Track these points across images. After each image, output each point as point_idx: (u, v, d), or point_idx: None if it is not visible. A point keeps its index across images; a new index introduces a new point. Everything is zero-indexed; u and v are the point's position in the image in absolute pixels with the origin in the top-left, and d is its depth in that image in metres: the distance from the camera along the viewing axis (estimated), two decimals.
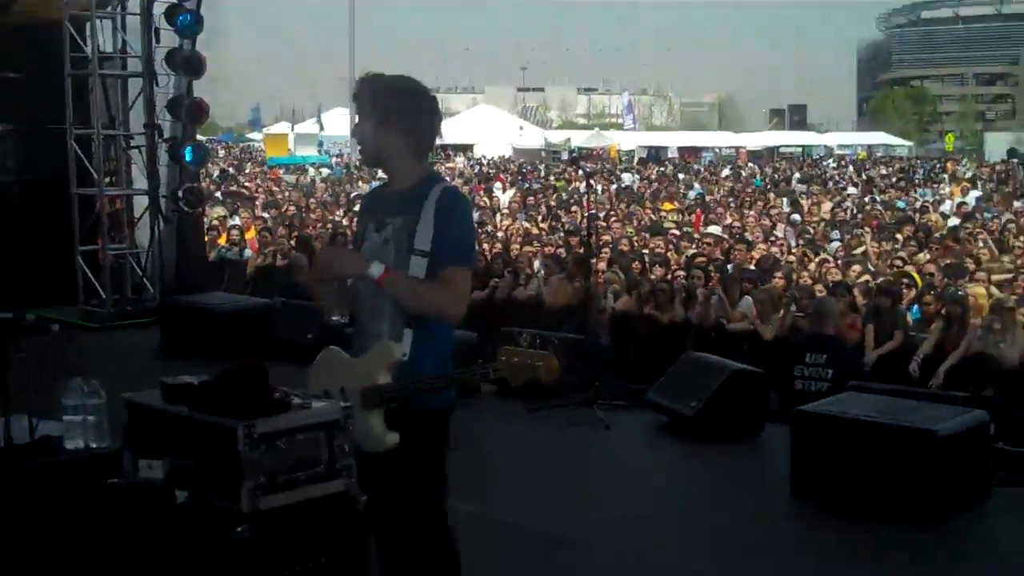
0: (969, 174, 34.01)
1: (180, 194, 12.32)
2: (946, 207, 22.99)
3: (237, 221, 17.75)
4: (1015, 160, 21.06)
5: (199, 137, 14.15)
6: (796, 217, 19.98)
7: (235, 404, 3.72)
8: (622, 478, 7.40)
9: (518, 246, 15.07)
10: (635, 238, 16.02)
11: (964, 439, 6.28)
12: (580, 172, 23.92)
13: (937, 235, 16.46)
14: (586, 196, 12.33)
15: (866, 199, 24.93)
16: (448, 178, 28.01)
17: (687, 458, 7.86)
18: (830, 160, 48.20)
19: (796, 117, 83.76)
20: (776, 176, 36.54)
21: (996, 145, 55.58)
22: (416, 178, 3.82)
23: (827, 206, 22.90)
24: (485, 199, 24.74)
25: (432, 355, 3.75)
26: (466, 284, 3.79)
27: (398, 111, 3.78)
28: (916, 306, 10.99)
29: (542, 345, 8.77)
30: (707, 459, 7.67)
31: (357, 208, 4.35)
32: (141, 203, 12.63)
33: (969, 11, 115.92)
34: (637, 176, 35.69)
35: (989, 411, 6.70)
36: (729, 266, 13.18)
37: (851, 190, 29.06)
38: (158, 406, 4.01)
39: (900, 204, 24.03)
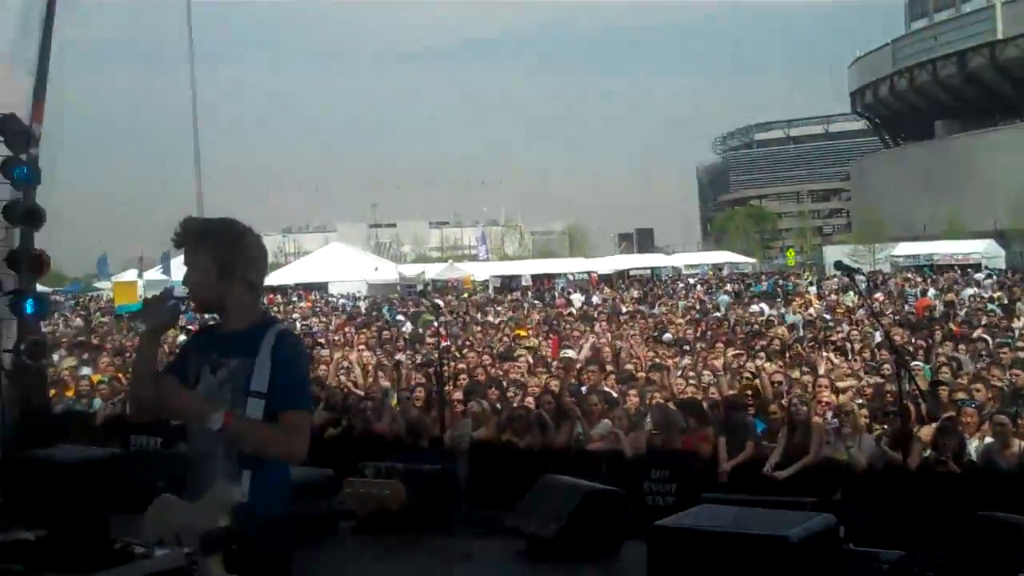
0: (813, 288, 35.40)
1: (22, 347, 11.96)
2: (793, 319, 23.90)
3: (87, 371, 17.30)
4: (841, 272, 22.09)
5: (42, 288, 13.83)
6: (668, 336, 20.49)
7: (74, 558, 3.63)
8: None
9: (371, 379, 15.06)
10: (490, 366, 16.14)
11: (815, 543, 6.43)
12: (431, 304, 24.05)
13: (785, 345, 17.11)
14: (439, 327, 12.43)
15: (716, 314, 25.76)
16: (296, 318, 27.75)
17: None
18: (679, 280, 49.56)
19: (644, 241, 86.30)
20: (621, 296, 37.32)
21: (833, 257, 58.26)
22: (250, 321, 3.87)
23: (679, 322, 23.63)
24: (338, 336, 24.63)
25: (271, 494, 3.74)
26: (306, 426, 3.84)
27: (238, 259, 3.84)
28: (757, 418, 11.22)
29: (387, 475, 8.77)
30: None
31: (178, 350, 4.31)
32: None
33: (799, 131, 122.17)
34: (496, 307, 35.94)
35: (838, 514, 6.92)
36: (583, 388, 13.37)
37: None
38: None
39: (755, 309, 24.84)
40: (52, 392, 14.74)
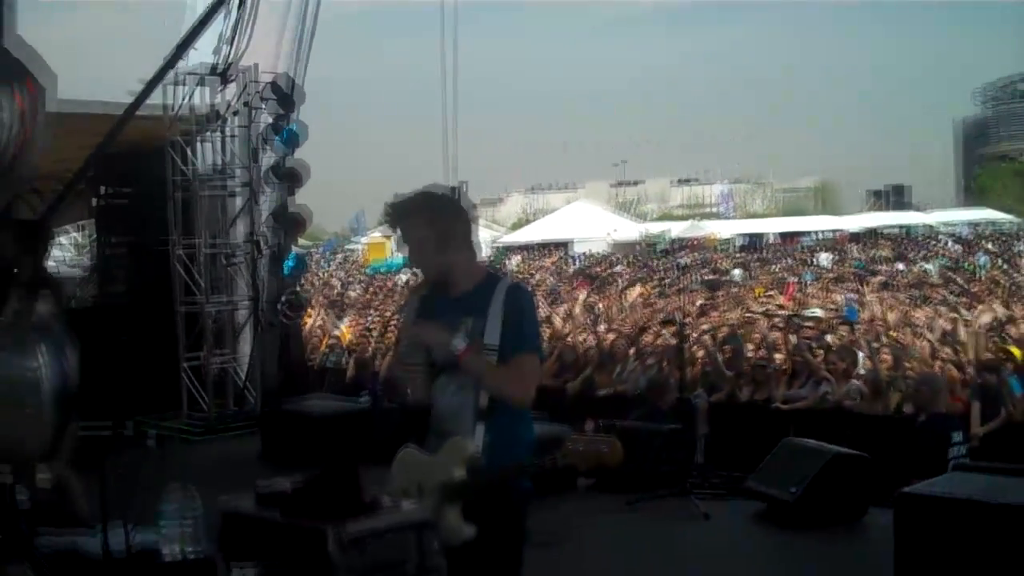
0: None
1: (280, 305, 12.61)
2: None
3: (341, 327, 18.08)
4: None
5: (302, 244, 14.51)
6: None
7: (326, 507, 3.79)
8: (723, 569, 7.27)
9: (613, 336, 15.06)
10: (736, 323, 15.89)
11: None
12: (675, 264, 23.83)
13: None
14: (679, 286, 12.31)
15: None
16: (543, 275, 28.16)
17: (788, 546, 7.68)
18: (932, 239, 47.27)
19: (896, 197, 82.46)
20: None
21: None
22: (476, 280, 3.95)
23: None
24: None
25: (505, 449, 3.79)
26: (533, 369, 3.90)
27: (454, 227, 3.92)
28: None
29: (607, 431, 8.74)
30: (809, 546, 7.48)
31: (405, 316, 4.42)
32: (244, 314, 12.95)
33: None
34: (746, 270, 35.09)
35: None
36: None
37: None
38: (251, 512, 4.09)
39: None
40: (307, 347, 15.49)
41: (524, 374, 3.83)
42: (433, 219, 3.89)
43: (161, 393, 12.19)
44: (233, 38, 11.99)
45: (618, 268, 35.23)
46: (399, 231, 3.97)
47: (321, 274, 39.29)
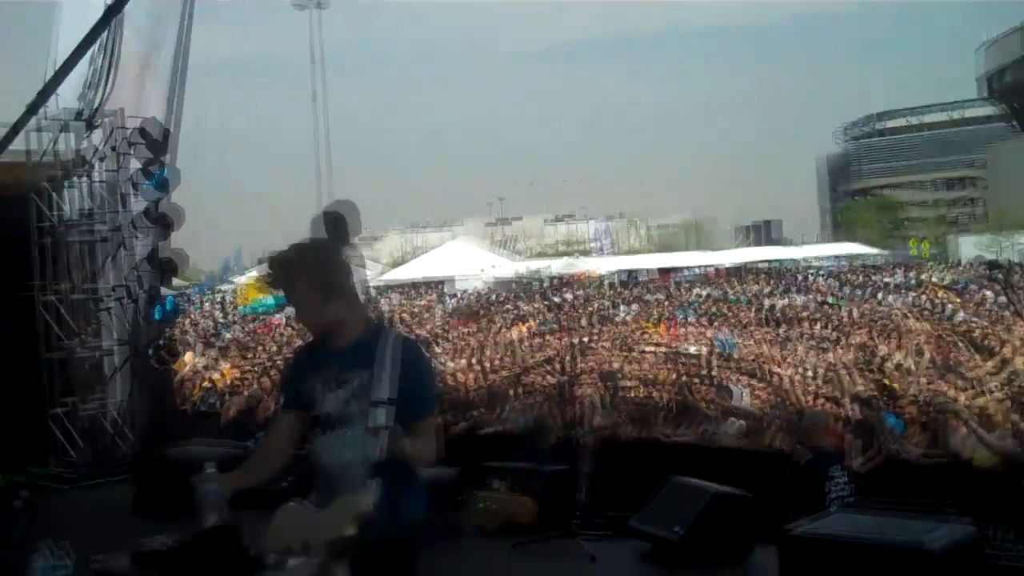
0: (947, 279, 34.28)
1: (152, 350, 12.29)
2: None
3: (217, 371, 17.73)
4: (995, 273, 21.13)
5: (177, 284, 14.22)
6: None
7: (208, 568, 3.64)
8: None
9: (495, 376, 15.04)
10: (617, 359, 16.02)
11: (958, 555, 6.10)
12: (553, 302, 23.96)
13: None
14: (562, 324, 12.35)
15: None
16: (420, 314, 28.00)
17: None
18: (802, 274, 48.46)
19: (766, 232, 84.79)
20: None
21: (966, 247, 56.11)
22: (360, 331, 3.89)
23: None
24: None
25: (400, 503, 3.72)
26: (435, 431, 3.90)
27: (335, 279, 3.85)
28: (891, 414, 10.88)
29: (520, 484, 8.71)
30: None
31: (286, 368, 4.35)
32: (115, 360, 12.57)
33: (926, 119, 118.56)
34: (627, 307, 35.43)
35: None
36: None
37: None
38: (126, 572, 3.91)
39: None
40: (182, 391, 15.12)
41: (433, 440, 3.81)
42: (308, 275, 3.81)
43: (29, 441, 11.74)
44: (98, 83, 11.74)
45: (502, 306, 35.36)
46: (281, 290, 3.90)
47: (195, 315, 38.53)
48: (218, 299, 51.78)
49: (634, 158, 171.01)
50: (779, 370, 13.98)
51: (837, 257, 59.22)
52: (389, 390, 3.70)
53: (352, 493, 3.65)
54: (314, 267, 3.83)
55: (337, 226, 8.10)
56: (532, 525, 8.48)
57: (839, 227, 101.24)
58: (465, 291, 45.88)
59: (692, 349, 17.71)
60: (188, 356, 19.45)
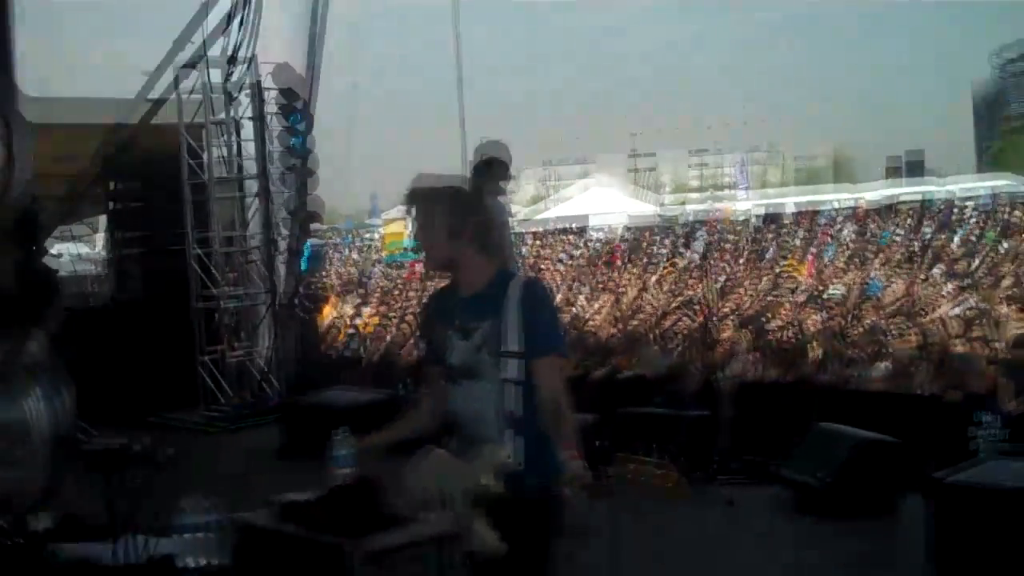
0: None
1: (296, 299, 12.56)
2: None
3: (360, 318, 18.08)
4: None
5: (318, 229, 14.46)
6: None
7: (346, 521, 3.68)
8: (748, 558, 7.11)
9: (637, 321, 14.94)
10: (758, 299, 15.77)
11: None
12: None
13: None
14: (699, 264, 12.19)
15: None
16: (561, 257, 28.02)
17: (817, 534, 7.47)
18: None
19: (915, 165, 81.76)
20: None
21: None
22: (487, 277, 3.81)
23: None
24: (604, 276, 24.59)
25: (540, 458, 3.66)
26: (563, 372, 3.79)
27: (468, 223, 3.79)
28: None
29: (659, 431, 8.65)
30: (839, 535, 7.28)
31: (421, 313, 4.36)
32: (261, 309, 12.90)
33: None
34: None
35: None
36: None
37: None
38: (269, 526, 3.98)
39: None
40: (327, 338, 15.45)
41: (557, 379, 3.70)
42: (445, 210, 3.77)
43: (180, 388, 12.17)
44: (240, 29, 11.92)
45: (640, 247, 35.12)
46: (413, 213, 3.87)
47: (337, 262, 39.15)
48: (358, 244, 52.67)
49: (775, 90, 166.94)
50: (928, 310, 13.53)
51: (992, 191, 56.90)
52: (518, 341, 3.65)
53: (491, 444, 3.62)
54: (453, 203, 3.80)
55: (490, 168, 8.14)
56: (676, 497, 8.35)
57: (993, 158, 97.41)
58: (603, 231, 45.70)
59: (838, 291, 17.27)
60: (332, 303, 19.87)
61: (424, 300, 19.59)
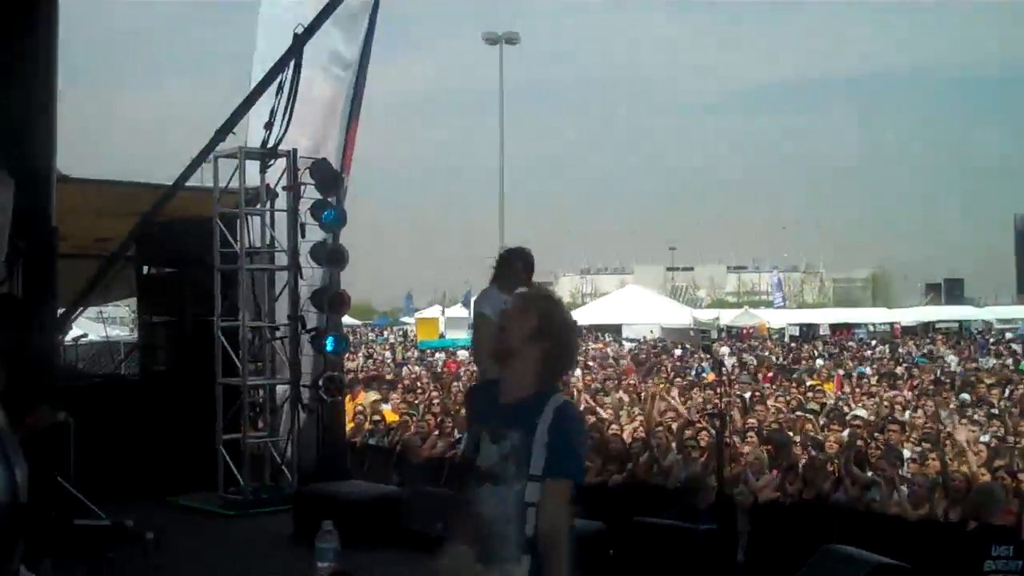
0: None
1: (321, 383, 12.57)
2: None
3: (386, 406, 18.07)
4: None
5: (351, 323, 14.56)
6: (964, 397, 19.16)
7: None
8: None
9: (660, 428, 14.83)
10: (783, 417, 15.63)
11: None
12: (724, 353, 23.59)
13: None
14: (726, 377, 12.15)
15: None
16: (595, 359, 27.97)
17: None
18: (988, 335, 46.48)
19: (953, 291, 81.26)
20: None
21: None
22: (533, 390, 3.87)
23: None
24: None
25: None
26: (567, 494, 3.79)
27: (555, 340, 3.89)
28: None
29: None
30: None
31: (464, 400, 4.49)
32: (284, 392, 12.91)
33: None
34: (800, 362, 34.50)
35: None
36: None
37: None
38: None
39: None
40: (350, 426, 15.42)
41: (562, 507, 3.75)
42: (548, 318, 3.91)
43: (200, 468, 12.15)
44: (280, 120, 12.14)
45: (672, 355, 35.05)
46: (500, 316, 4.06)
47: (368, 351, 39.40)
48: (390, 337, 53.00)
49: (816, 208, 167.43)
50: (955, 437, 13.35)
51: None
52: (540, 465, 3.72)
53: (510, 564, 3.70)
54: (561, 326, 3.94)
55: (512, 266, 8.25)
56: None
57: None
58: (638, 339, 45.65)
59: (863, 412, 17.09)
60: (360, 391, 19.90)
61: (456, 394, 19.68)
